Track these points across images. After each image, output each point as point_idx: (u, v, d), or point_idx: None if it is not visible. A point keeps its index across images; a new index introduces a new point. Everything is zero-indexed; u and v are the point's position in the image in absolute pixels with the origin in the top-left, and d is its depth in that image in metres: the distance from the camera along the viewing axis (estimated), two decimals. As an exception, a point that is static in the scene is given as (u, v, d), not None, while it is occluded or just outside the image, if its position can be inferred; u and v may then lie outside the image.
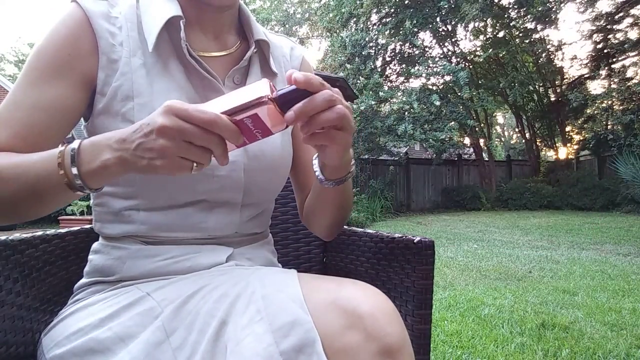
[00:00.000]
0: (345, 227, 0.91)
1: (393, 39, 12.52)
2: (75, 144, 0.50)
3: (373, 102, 10.92)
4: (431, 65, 12.24)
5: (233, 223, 0.68)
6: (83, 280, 0.67)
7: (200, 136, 0.45)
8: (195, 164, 0.47)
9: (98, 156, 0.49)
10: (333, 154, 0.55)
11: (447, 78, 12.10)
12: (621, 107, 11.92)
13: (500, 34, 13.14)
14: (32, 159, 0.52)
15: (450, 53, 13.91)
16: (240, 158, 0.64)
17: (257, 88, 0.47)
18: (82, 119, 0.65)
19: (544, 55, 13.11)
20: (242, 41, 0.71)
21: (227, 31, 0.69)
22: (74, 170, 0.49)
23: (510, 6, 12.38)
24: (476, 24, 13.12)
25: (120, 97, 0.60)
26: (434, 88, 12.61)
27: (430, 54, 13.48)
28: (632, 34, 11.83)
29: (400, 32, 12.05)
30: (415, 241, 0.68)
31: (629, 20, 12.07)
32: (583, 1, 12.32)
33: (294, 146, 0.77)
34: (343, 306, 0.49)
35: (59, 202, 0.53)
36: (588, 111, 13.45)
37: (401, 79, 13.45)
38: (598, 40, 12.80)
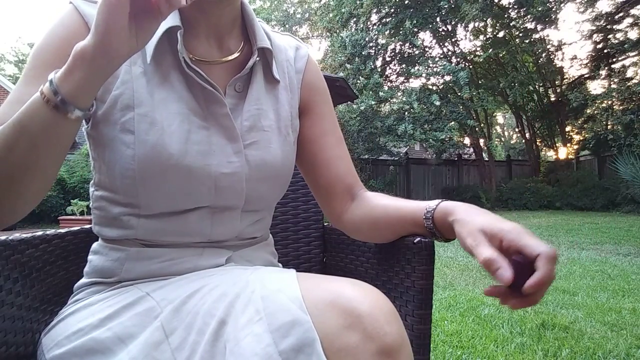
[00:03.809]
0: None
1: (393, 39, 12.53)
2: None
3: (373, 102, 10.92)
4: (431, 65, 12.25)
5: (233, 229, 0.67)
6: (83, 280, 0.67)
7: None
8: None
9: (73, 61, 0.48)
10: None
11: (447, 78, 12.11)
12: (621, 107, 11.92)
13: (500, 34, 13.15)
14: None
15: (450, 53, 13.92)
16: (242, 168, 0.64)
17: None
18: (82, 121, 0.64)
19: (544, 55, 13.12)
20: (245, 44, 0.70)
21: (229, 32, 0.68)
22: (52, 85, 0.49)
23: (510, 6, 12.38)
24: (476, 24, 13.13)
25: (120, 106, 0.60)
26: (434, 88, 12.63)
27: (430, 54, 13.50)
28: (632, 34, 11.85)
29: (400, 32, 12.06)
30: (415, 241, 0.68)
31: (629, 20, 12.10)
32: (583, 1, 12.33)
33: (309, 146, 0.75)
34: (342, 306, 0.49)
35: (51, 138, 0.51)
36: (588, 111, 13.45)
37: (401, 79, 13.46)
38: (598, 40, 12.81)
